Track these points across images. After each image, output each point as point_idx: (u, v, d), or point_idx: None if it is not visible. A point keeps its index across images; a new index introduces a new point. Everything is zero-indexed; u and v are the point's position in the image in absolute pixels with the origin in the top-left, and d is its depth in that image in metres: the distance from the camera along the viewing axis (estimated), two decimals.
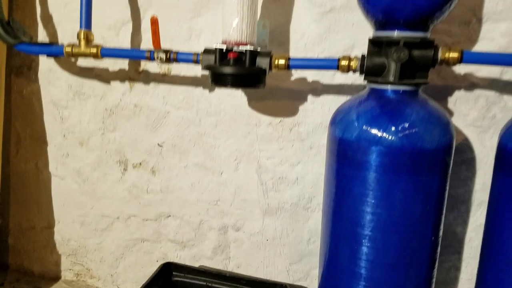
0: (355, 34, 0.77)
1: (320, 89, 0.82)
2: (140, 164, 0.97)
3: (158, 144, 0.94)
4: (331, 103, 0.82)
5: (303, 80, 0.83)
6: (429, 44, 0.62)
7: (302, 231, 0.90)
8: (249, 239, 0.94)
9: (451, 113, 0.76)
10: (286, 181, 0.88)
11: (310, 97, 0.84)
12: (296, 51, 0.81)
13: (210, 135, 0.90)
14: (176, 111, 0.91)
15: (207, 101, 0.88)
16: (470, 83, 0.75)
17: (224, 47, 0.70)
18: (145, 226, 1.01)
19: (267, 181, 0.89)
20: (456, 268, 0.83)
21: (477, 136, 0.76)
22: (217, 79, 0.70)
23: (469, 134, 0.77)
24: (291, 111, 0.85)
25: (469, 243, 0.82)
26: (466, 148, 0.77)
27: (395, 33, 0.62)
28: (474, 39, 0.73)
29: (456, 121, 0.77)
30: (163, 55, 0.74)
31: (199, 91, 0.88)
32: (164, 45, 0.86)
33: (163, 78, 0.90)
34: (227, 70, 0.68)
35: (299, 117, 0.85)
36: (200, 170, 0.93)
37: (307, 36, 0.80)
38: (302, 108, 0.84)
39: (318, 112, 0.84)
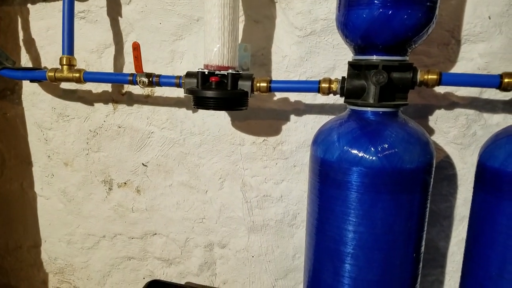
0: (336, 55, 0.78)
1: (302, 109, 0.83)
2: (125, 183, 0.97)
3: (143, 164, 0.94)
4: (314, 123, 0.83)
5: (285, 100, 0.84)
6: (407, 67, 0.63)
7: (287, 247, 0.91)
8: (235, 255, 0.94)
9: (432, 131, 0.78)
10: (271, 199, 0.89)
11: (293, 117, 0.84)
12: (278, 72, 0.82)
13: (194, 154, 0.90)
14: (160, 131, 0.91)
15: (190, 121, 0.89)
16: (451, 102, 0.76)
17: (206, 71, 0.70)
18: (131, 244, 1.01)
19: (252, 199, 0.90)
20: (440, 281, 0.84)
21: (458, 153, 0.78)
22: (200, 103, 0.70)
23: (450, 151, 0.78)
24: (275, 130, 0.86)
25: (451, 257, 0.83)
26: (447, 165, 0.79)
27: (374, 57, 0.63)
28: (453, 60, 0.75)
29: (437, 138, 0.78)
30: (145, 79, 0.74)
31: (182, 112, 0.89)
32: (147, 67, 0.87)
33: (147, 100, 0.90)
34: (210, 93, 0.69)
35: (282, 136, 0.86)
36: (185, 189, 0.93)
37: (289, 58, 0.81)
38: (285, 127, 0.85)
39: (301, 131, 0.84)
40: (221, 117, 0.87)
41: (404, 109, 0.78)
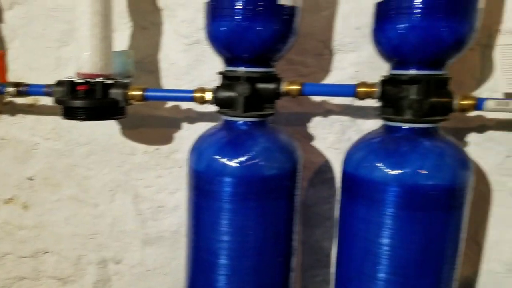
0: (221, 64, 0.79)
1: (194, 117, 0.84)
2: (11, 199, 0.91)
3: (29, 178, 0.89)
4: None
5: (177, 107, 0.83)
6: (271, 78, 0.65)
7: (183, 258, 0.89)
8: (130, 271, 0.91)
9: (312, 138, 0.81)
10: (165, 209, 0.88)
11: (185, 125, 0.84)
12: (167, 79, 0.82)
13: (83, 166, 0.87)
14: (45, 142, 0.87)
15: (77, 130, 0.86)
16: (326, 110, 0.80)
17: (76, 79, 0.68)
18: (22, 264, 0.95)
19: (145, 210, 0.88)
20: (326, 281, 0.87)
21: (336, 157, 0.81)
22: (68, 113, 0.68)
23: (330, 155, 0.82)
24: (167, 139, 0.85)
25: (335, 257, 0.86)
26: (327, 169, 0.82)
27: (240, 69, 0.65)
28: (327, 69, 0.78)
29: (318, 144, 0.81)
30: (12, 89, 0.70)
31: (68, 121, 0.85)
32: (31, 75, 0.83)
33: (31, 109, 0.86)
34: (76, 103, 0.67)
35: (175, 145, 0.85)
36: (74, 203, 0.89)
37: (177, 66, 0.81)
38: (177, 135, 0.85)
39: (194, 139, 0.84)
40: (110, 126, 0.85)
41: (285, 117, 0.81)
